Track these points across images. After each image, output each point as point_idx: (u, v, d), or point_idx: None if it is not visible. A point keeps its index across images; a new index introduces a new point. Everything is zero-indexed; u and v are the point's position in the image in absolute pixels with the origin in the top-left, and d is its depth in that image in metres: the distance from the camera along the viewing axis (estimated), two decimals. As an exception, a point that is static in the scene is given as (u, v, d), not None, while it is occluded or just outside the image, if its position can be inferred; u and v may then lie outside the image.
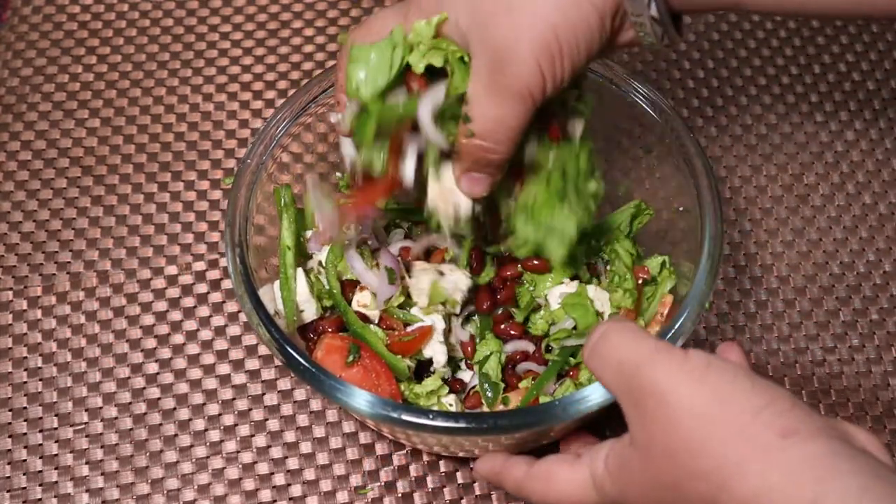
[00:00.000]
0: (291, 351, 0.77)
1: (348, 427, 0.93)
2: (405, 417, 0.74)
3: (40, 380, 0.95)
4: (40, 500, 0.90)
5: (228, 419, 0.94)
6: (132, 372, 0.95)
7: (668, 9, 0.68)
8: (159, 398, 0.94)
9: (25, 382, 0.95)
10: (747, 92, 1.11)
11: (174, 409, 0.94)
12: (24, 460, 0.91)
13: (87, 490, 0.90)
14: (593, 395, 0.74)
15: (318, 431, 0.93)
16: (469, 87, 0.70)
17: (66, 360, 0.96)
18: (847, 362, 0.97)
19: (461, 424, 0.73)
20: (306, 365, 0.76)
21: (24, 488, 0.90)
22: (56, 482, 0.91)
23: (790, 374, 0.96)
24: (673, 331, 0.77)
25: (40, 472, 0.91)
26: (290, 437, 0.93)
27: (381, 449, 0.92)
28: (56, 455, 0.92)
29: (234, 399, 0.94)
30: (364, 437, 0.93)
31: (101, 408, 0.94)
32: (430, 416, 0.74)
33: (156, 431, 0.93)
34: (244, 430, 0.93)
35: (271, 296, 0.86)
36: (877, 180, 1.06)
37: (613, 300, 0.89)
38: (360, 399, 0.75)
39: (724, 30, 1.16)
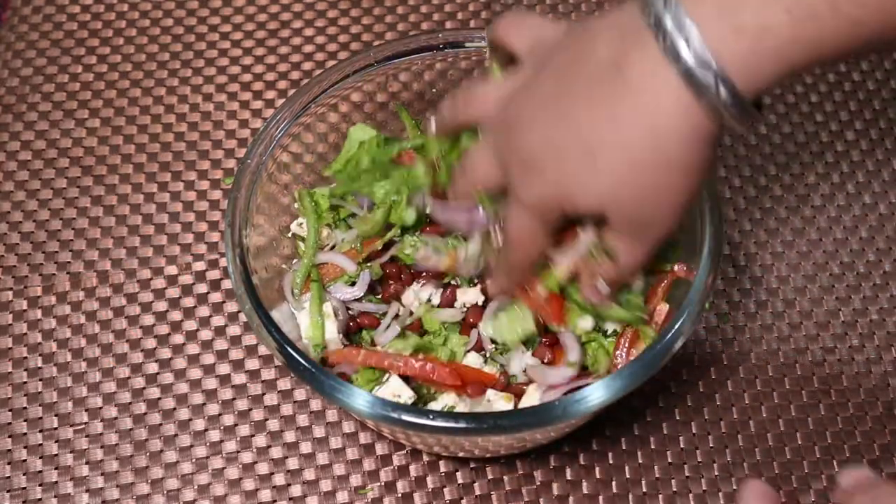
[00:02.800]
0: (291, 351, 0.77)
1: (348, 427, 0.93)
2: (405, 418, 0.74)
3: (40, 380, 0.95)
4: (40, 500, 0.90)
5: (228, 419, 0.93)
6: (132, 372, 0.95)
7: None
8: (159, 398, 0.94)
9: (25, 382, 0.95)
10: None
11: (174, 409, 0.94)
12: (24, 460, 0.91)
13: (88, 490, 0.90)
14: (593, 395, 0.74)
15: (318, 431, 0.93)
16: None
17: (66, 360, 0.96)
18: (847, 362, 0.97)
19: (461, 425, 0.73)
20: (306, 365, 0.76)
21: (24, 488, 0.90)
22: (56, 482, 0.91)
23: (790, 374, 0.96)
24: (673, 331, 0.77)
25: (40, 472, 0.91)
26: (290, 437, 0.93)
27: (381, 449, 0.92)
28: (56, 455, 0.92)
29: (234, 399, 0.94)
30: (364, 438, 0.93)
31: (100, 408, 0.94)
32: (430, 417, 0.74)
33: (156, 431, 0.93)
34: (244, 430, 0.93)
35: (289, 320, 0.87)
36: (877, 180, 1.06)
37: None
38: (360, 399, 0.75)
39: (724, 30, 1.16)
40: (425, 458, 0.92)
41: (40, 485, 0.91)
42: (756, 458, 0.92)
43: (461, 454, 0.89)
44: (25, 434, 0.92)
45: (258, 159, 0.86)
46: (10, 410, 0.93)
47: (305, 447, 0.93)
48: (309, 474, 0.91)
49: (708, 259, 0.80)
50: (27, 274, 1.00)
